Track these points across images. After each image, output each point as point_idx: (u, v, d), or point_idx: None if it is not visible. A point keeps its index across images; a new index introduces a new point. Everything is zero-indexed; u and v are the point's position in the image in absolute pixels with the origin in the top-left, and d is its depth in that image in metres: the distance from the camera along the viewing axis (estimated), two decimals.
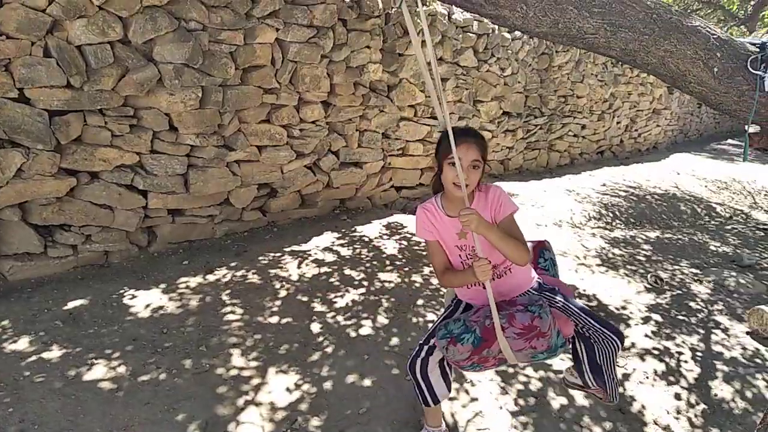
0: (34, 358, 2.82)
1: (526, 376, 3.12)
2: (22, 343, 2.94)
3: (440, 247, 2.16)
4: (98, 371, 2.77)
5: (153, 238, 4.26)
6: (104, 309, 3.35)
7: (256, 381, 2.83)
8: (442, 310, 2.52)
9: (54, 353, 2.88)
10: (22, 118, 3.39)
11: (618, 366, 2.57)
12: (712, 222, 7.20)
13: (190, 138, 4.14)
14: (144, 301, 3.50)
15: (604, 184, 7.85)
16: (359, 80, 5.22)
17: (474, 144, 1.99)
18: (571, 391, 3.00)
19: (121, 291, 3.59)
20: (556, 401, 2.94)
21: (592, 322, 2.15)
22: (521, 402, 2.90)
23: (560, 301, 2.18)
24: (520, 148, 7.82)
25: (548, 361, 3.26)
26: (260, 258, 4.25)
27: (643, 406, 2.97)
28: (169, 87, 3.90)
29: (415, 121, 5.93)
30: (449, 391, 2.32)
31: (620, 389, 2.40)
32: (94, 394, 2.60)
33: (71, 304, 3.37)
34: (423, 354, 2.18)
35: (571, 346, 2.34)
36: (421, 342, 2.22)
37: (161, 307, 3.44)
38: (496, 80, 6.89)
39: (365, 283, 3.99)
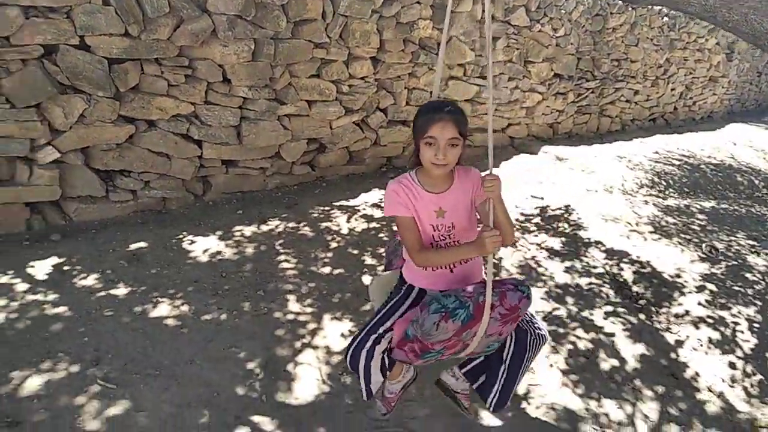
0: (103, 293, 2.96)
1: (576, 336, 3.12)
2: (91, 280, 3.08)
3: (415, 224, 1.98)
4: (163, 309, 2.89)
5: (208, 188, 4.35)
6: (165, 252, 3.47)
7: (312, 326, 2.90)
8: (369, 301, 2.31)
9: (121, 290, 3.01)
10: (83, 65, 3.45)
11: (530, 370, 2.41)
12: None
13: (243, 90, 4.17)
14: (202, 246, 3.60)
15: (656, 152, 7.61)
16: (409, 37, 5.14)
17: (451, 121, 1.83)
18: (623, 354, 3.00)
19: (180, 236, 3.71)
20: (607, 363, 2.93)
21: (530, 316, 2.08)
22: (571, 361, 2.90)
23: None
24: (571, 111, 7.63)
25: (598, 323, 3.26)
26: (310, 211, 4.31)
27: (697, 373, 2.93)
28: (222, 38, 3.91)
29: (465, 80, 5.83)
30: (383, 382, 2.13)
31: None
32: (161, 330, 2.72)
33: (133, 246, 3.50)
34: (369, 344, 1.94)
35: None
36: (367, 330, 1.98)
37: (219, 253, 3.54)
38: (548, 41, 6.69)
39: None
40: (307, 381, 2.51)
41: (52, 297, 2.88)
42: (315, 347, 2.74)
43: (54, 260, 3.24)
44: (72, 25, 3.37)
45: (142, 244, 3.53)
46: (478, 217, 2.05)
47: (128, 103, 3.72)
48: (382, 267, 2.62)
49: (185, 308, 2.91)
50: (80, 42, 3.45)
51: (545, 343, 2.07)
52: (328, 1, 4.44)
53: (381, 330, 1.97)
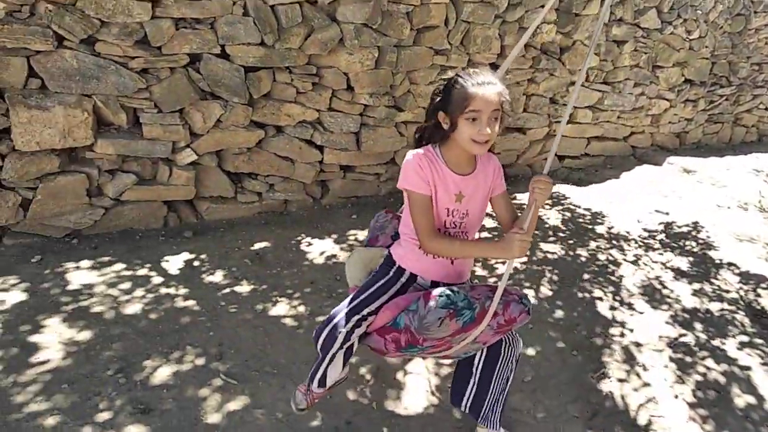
0: (227, 290, 3.15)
1: (706, 367, 2.89)
2: (218, 276, 3.30)
3: (431, 205, 1.78)
4: (281, 308, 3.03)
5: (325, 192, 4.52)
6: (285, 252, 3.64)
7: None
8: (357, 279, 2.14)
9: (244, 288, 3.20)
10: (222, 72, 3.70)
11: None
12: None
13: (364, 97, 4.26)
14: (319, 248, 3.74)
15: None
16: (531, 41, 5.00)
17: (494, 91, 1.67)
18: (761, 391, 2.74)
19: (299, 237, 3.87)
20: (741, 399, 2.68)
21: None
22: (699, 394, 2.69)
23: None
24: (701, 120, 7.06)
25: (732, 354, 3.00)
26: None
27: None
28: (348, 47, 4.02)
29: (586, 86, 5.58)
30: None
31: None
32: (279, 329, 2.85)
33: (257, 246, 3.70)
34: (350, 325, 1.80)
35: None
36: (349, 309, 1.83)
37: (334, 256, 3.66)
38: (680, 44, 6.23)
39: (527, 253, 3.89)
40: (416, 391, 2.52)
41: (182, 291, 3.11)
42: (423, 357, 2.74)
43: (186, 256, 3.50)
44: (215, 35, 3.59)
45: (265, 244, 3.73)
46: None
47: (260, 109, 3.93)
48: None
49: (302, 309, 3.03)
50: (221, 51, 3.67)
51: (519, 350, 1.95)
52: (452, 7, 4.41)
53: (365, 312, 1.83)
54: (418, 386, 2.55)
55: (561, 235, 4.23)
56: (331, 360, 1.91)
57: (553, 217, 4.55)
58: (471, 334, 1.73)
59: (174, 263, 3.40)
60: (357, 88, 4.20)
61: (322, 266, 3.52)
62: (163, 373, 2.46)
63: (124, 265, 3.32)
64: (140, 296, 3.03)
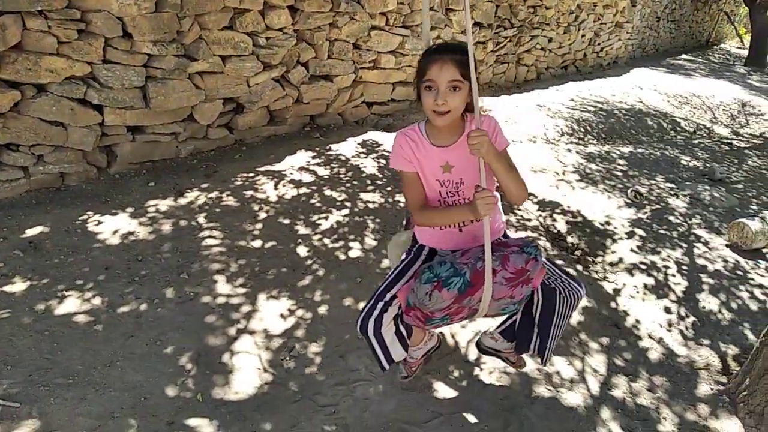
0: None
1: None
2: None
3: (419, 180, 1.88)
4: (71, 304, 2.53)
5: (113, 158, 3.88)
6: (68, 236, 3.05)
7: (246, 308, 2.65)
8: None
9: (18, 286, 2.60)
10: None
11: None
12: (679, 136, 7.26)
13: (147, 46, 3.69)
14: (111, 226, 3.20)
15: (572, 99, 7.72)
16: None
17: (450, 61, 1.66)
18: None
19: (84, 216, 3.27)
20: None
21: (560, 272, 1.97)
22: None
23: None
24: (490, 61, 7.54)
25: None
26: (233, 179, 3.96)
27: (637, 320, 2.97)
28: None
29: (387, 30, 5.54)
30: (406, 351, 2.04)
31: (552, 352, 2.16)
32: (70, 329, 2.37)
33: (29, 232, 3.05)
34: (377, 311, 1.86)
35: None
36: (375, 296, 1.89)
37: (132, 233, 3.16)
38: None
39: (348, 204, 3.79)
40: (247, 371, 2.29)
41: None
42: (252, 332, 2.50)
43: None
44: None
45: (40, 230, 3.08)
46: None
47: (10, 64, 3.18)
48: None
49: (97, 301, 2.56)
50: None
51: (580, 299, 1.97)
52: None
53: (388, 296, 1.88)
54: (248, 365, 2.33)
55: (378, 183, 4.19)
56: (381, 344, 1.92)
57: (369, 166, 4.49)
58: (480, 296, 1.76)
59: None
60: (136, 36, 3.61)
61: (117, 247, 3.01)
62: None
63: None
64: None
